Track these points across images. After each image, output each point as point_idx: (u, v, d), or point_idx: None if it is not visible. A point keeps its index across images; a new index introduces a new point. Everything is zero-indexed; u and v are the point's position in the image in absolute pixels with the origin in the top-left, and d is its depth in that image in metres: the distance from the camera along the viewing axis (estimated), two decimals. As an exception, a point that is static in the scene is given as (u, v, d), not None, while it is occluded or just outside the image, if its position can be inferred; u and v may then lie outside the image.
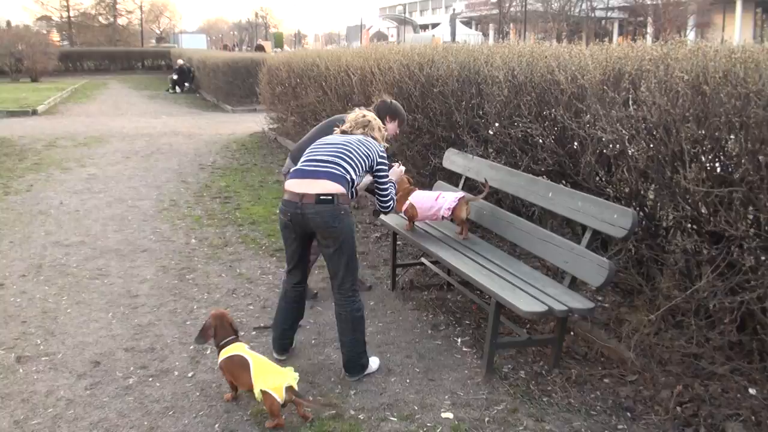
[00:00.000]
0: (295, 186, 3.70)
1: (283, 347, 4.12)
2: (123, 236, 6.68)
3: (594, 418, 3.51)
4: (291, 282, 4.02)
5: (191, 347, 4.28)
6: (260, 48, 32.66)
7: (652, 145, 3.62)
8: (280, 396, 3.28)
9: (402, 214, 4.94)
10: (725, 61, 3.21)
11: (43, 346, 4.27)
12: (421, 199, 4.79)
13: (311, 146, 3.97)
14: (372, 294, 5.21)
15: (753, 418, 3.24)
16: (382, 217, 5.12)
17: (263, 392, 3.30)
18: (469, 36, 43.81)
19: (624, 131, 3.84)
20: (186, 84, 25.63)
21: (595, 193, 4.23)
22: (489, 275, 4.09)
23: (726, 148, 3.24)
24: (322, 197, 3.60)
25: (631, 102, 3.87)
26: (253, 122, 15.08)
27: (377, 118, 4.16)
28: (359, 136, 3.98)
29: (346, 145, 3.84)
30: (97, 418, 3.47)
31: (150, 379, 3.88)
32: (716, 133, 3.24)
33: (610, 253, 4.27)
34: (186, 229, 6.94)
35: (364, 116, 4.10)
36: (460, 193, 4.80)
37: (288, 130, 12.28)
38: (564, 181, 4.76)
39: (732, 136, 3.17)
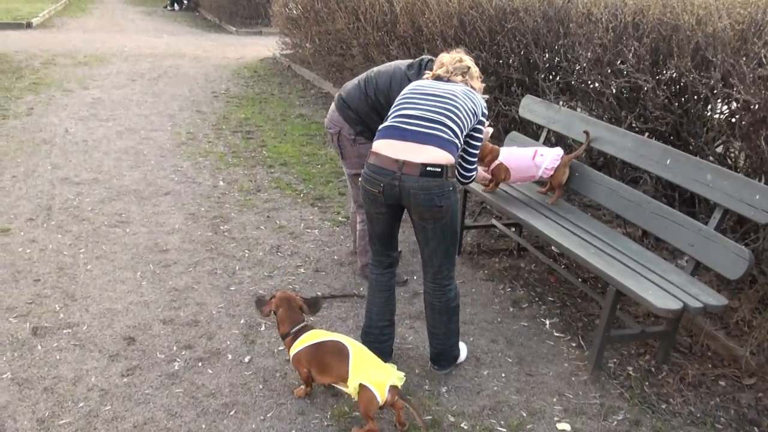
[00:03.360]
0: (391, 149, 2.88)
1: (385, 351, 3.28)
2: (141, 174, 5.95)
3: (726, 434, 2.96)
4: (381, 266, 3.24)
5: (242, 321, 3.66)
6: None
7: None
8: (381, 395, 2.67)
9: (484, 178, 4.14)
10: None
11: (63, 314, 3.64)
12: (515, 158, 4.04)
13: (405, 95, 3.07)
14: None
15: None
16: None
17: (362, 387, 2.69)
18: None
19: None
20: (185, 1, 24.25)
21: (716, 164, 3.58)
22: (599, 254, 3.45)
23: None
24: (429, 168, 2.81)
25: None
26: (261, 46, 14.13)
27: (475, 64, 3.27)
28: (462, 87, 3.08)
29: (452, 100, 2.96)
30: (142, 419, 2.85)
31: (199, 364, 3.26)
32: None
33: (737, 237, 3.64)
34: (211, 168, 6.21)
35: (461, 60, 3.20)
36: (559, 150, 4.10)
37: (305, 57, 11.34)
38: (669, 145, 4.09)
39: None
